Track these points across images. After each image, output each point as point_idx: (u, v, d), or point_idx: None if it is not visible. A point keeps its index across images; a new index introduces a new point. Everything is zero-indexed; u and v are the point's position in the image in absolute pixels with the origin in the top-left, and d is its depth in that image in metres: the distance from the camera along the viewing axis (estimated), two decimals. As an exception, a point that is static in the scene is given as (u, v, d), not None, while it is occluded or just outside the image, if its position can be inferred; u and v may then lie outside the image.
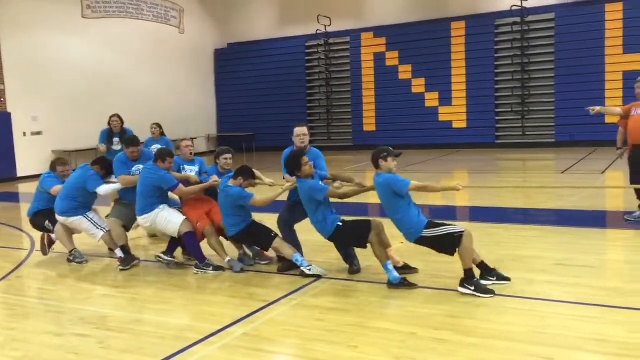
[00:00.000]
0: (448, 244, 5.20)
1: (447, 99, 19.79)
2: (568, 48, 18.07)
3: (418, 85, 20.14)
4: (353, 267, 5.99)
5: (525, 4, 18.31)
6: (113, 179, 6.99)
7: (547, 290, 5.18)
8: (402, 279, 5.38)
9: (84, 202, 6.79)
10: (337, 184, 6.01)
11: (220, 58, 24.05)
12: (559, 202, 9.33)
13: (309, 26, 21.73)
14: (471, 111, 19.50)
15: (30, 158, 17.04)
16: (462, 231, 5.13)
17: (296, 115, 22.37)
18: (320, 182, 5.86)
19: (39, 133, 17.29)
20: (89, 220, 6.76)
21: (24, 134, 16.92)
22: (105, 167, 6.94)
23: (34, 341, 4.67)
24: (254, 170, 6.27)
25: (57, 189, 6.99)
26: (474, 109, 19.45)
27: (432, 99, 20.00)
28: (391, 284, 5.39)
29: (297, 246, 6.17)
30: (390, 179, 5.38)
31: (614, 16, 17.49)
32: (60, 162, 7.43)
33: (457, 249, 5.16)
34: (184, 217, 6.35)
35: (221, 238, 6.49)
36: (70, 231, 6.98)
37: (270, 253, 6.43)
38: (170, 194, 6.62)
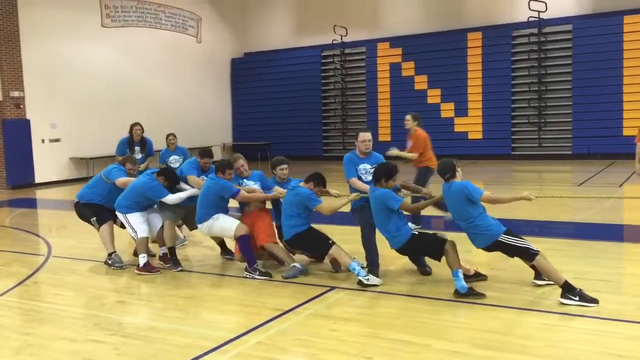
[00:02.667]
0: (526, 256, 5.28)
1: (463, 110, 19.73)
2: (585, 59, 17.95)
3: (434, 96, 20.11)
4: (425, 269, 6.05)
5: (543, 15, 18.24)
6: (184, 186, 6.99)
7: (565, 304, 5.11)
8: (470, 289, 5.34)
9: (134, 205, 6.75)
10: (403, 192, 6.08)
11: (236, 67, 24.20)
12: (576, 214, 9.24)
13: (325, 36, 21.81)
14: (487, 122, 19.41)
15: (48, 165, 17.23)
16: (538, 251, 5.20)
17: (312, 124, 22.47)
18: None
19: (57, 140, 17.48)
20: (128, 221, 6.76)
21: (43, 140, 17.11)
22: (169, 179, 6.86)
23: (50, 347, 4.69)
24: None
25: (123, 180, 6.96)
26: (490, 120, 19.37)
27: (447, 110, 19.94)
28: (458, 293, 5.33)
29: (374, 251, 6.08)
30: (464, 186, 5.41)
31: (632, 28, 17.35)
32: (131, 160, 7.44)
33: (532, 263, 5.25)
34: (239, 222, 6.38)
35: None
36: (113, 236, 7.00)
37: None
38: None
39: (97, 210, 7.11)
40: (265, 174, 7.19)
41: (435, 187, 6.34)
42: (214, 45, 23.17)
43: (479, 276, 5.81)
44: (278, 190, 6.52)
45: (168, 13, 21.13)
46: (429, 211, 6.95)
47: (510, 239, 5.27)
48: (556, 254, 6.94)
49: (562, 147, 18.59)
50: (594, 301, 4.99)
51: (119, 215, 6.85)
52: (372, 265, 6.03)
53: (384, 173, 5.80)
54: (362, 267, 5.91)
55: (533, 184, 14.60)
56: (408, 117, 8.65)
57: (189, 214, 7.21)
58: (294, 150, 20.49)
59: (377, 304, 5.47)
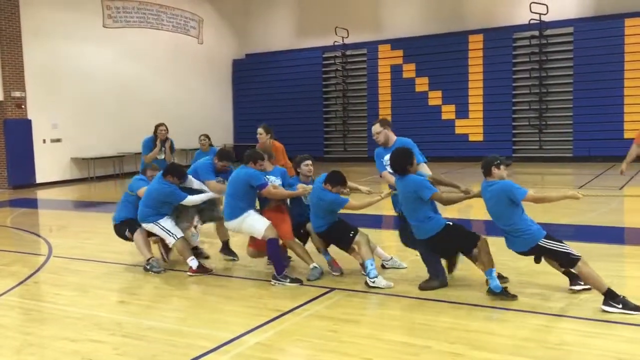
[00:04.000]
0: (566, 262, 5.13)
1: (463, 112, 19.74)
2: (586, 62, 17.97)
3: (435, 98, 20.13)
4: (432, 282, 5.74)
5: (544, 18, 18.26)
6: (195, 183, 6.91)
7: (565, 307, 5.11)
8: (504, 289, 5.28)
9: (158, 210, 6.71)
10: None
11: (237, 68, 24.22)
12: (578, 217, 9.24)
13: (327, 38, 21.84)
14: (488, 124, 19.43)
15: (49, 165, 17.26)
16: (579, 256, 5.03)
17: (313, 126, 22.50)
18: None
19: (58, 140, 17.52)
20: (160, 228, 6.70)
21: (44, 141, 17.15)
22: (176, 175, 6.79)
23: (50, 346, 4.70)
24: (347, 181, 6.19)
25: (143, 190, 6.93)
26: (491, 122, 19.38)
27: (448, 112, 19.96)
28: (491, 292, 5.28)
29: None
30: (506, 186, 5.21)
31: (633, 31, 17.37)
32: (152, 166, 7.41)
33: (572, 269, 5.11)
34: (269, 223, 6.20)
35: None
36: (148, 239, 6.94)
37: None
38: None
39: (128, 223, 7.04)
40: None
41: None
42: (215, 46, 23.21)
43: (501, 278, 5.60)
44: (302, 187, 6.36)
45: (169, 14, 21.17)
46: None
47: (551, 244, 5.11)
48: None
49: (563, 149, 18.60)
50: (638, 309, 4.82)
51: (148, 226, 6.75)
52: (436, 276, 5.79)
53: (403, 162, 5.59)
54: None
55: (534, 186, 14.59)
56: (260, 130, 8.32)
57: (201, 207, 7.17)
58: (295, 152, 20.36)
59: (376, 305, 5.47)
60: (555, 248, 5.10)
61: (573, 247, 7.39)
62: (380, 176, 6.30)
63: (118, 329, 5.02)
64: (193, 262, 6.58)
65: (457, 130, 19.86)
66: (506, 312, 5.02)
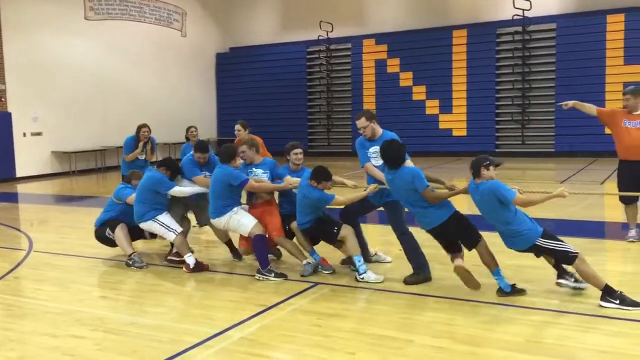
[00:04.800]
0: (564, 259, 5.06)
1: (447, 107, 19.82)
2: (569, 58, 18.12)
3: (419, 93, 20.18)
4: (417, 277, 5.72)
5: (527, 14, 18.36)
6: (185, 182, 6.85)
7: (547, 300, 5.15)
8: (513, 286, 5.25)
9: (153, 205, 6.62)
10: None
11: (221, 62, 24.08)
12: (558, 211, 9.31)
13: (311, 32, 21.78)
14: (471, 119, 19.53)
15: (29, 158, 17.04)
16: (577, 253, 4.96)
17: (297, 120, 22.45)
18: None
19: (39, 134, 17.30)
20: (160, 224, 6.60)
21: (24, 134, 16.92)
22: (170, 168, 6.75)
23: (30, 342, 4.65)
24: (332, 175, 6.11)
25: (133, 197, 6.85)
26: (474, 117, 19.48)
27: (432, 107, 20.03)
28: (502, 292, 5.22)
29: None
30: (495, 186, 5.06)
31: (615, 27, 17.54)
32: (135, 175, 7.27)
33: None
34: (256, 220, 6.18)
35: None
36: (129, 237, 6.84)
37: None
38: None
39: (110, 222, 6.96)
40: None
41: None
42: (198, 39, 23.04)
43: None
44: (289, 181, 6.29)
45: (152, 7, 20.96)
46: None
47: (548, 243, 5.02)
48: (538, 250, 7.01)
49: (545, 144, 18.75)
50: (635, 304, 4.81)
51: (146, 225, 6.66)
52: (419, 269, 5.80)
53: (397, 156, 5.47)
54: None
55: (517, 181, 14.66)
56: (237, 126, 8.27)
57: (198, 210, 7.15)
58: (279, 146, 20.27)
59: (360, 299, 5.48)
60: (553, 247, 5.03)
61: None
62: (363, 167, 6.14)
63: (100, 324, 4.97)
64: (190, 260, 6.50)
65: (441, 125, 19.94)
66: (490, 307, 5.04)
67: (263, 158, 6.73)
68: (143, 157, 9.16)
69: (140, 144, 9.12)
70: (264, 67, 23.05)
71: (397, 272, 6.06)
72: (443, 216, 5.38)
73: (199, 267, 6.50)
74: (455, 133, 19.78)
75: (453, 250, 5.44)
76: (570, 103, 7.59)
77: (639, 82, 8.60)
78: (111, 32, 19.38)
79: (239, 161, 6.45)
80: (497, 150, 19.32)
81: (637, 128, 7.15)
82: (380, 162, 5.81)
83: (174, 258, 6.73)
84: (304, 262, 6.16)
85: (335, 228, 5.98)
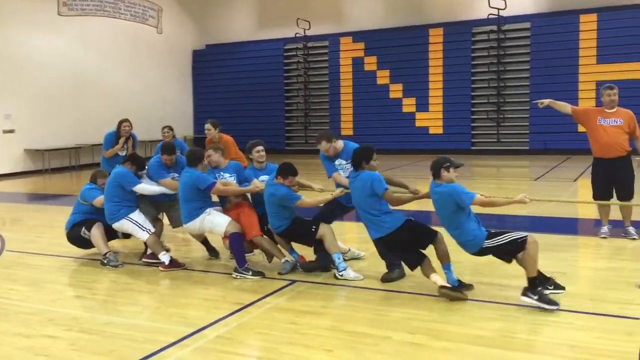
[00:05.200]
0: (511, 250, 4.95)
1: (424, 105, 19.95)
2: (543, 57, 18.36)
3: (396, 91, 20.28)
4: (391, 274, 5.74)
5: (502, 13, 18.56)
6: (146, 179, 6.79)
7: (520, 296, 5.22)
8: (459, 282, 5.28)
9: (123, 202, 6.55)
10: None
11: (198, 59, 23.91)
12: (532, 208, 9.44)
13: (288, 29, 21.73)
14: (447, 117, 19.68)
15: (1, 156, 16.76)
16: (526, 236, 4.89)
17: (274, 118, 22.40)
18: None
19: (11, 131, 16.99)
20: (132, 222, 6.54)
21: (-4, 131, 16.62)
22: (135, 163, 6.72)
23: (3, 342, 4.57)
24: (297, 171, 6.08)
25: (100, 199, 6.76)
26: (451, 115, 19.64)
27: (409, 105, 20.14)
28: (443, 287, 5.19)
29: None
30: (453, 190, 5.06)
31: (588, 27, 17.82)
32: (100, 173, 7.16)
33: (516, 256, 4.94)
34: (230, 218, 6.15)
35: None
36: (104, 235, 6.75)
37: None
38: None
39: (83, 222, 6.87)
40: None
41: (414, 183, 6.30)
42: (174, 36, 22.84)
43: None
44: (255, 184, 6.29)
45: (127, 3, 20.72)
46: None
47: (494, 242, 5.00)
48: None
49: (520, 142, 18.99)
50: (554, 303, 4.81)
51: (119, 224, 6.59)
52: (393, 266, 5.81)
53: (362, 156, 5.55)
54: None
55: (491, 178, 14.88)
56: (208, 126, 8.22)
57: (171, 211, 7.08)
58: (256, 144, 20.36)
59: (338, 297, 5.50)
60: (498, 243, 4.98)
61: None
62: (330, 178, 6.24)
63: (74, 324, 4.91)
64: (165, 258, 6.46)
65: (418, 123, 20.06)
66: (464, 303, 5.10)
67: (228, 161, 6.75)
68: (124, 153, 9.04)
69: (121, 140, 8.99)
70: (241, 64, 22.95)
71: (373, 269, 6.09)
72: (394, 224, 5.41)
73: (174, 264, 6.46)
74: (431, 131, 19.92)
75: (415, 262, 5.39)
76: (546, 102, 7.69)
77: (612, 81, 8.70)
78: (85, 28, 19.11)
79: (207, 166, 6.49)
80: (472, 147, 19.51)
81: (612, 126, 7.27)
82: (347, 173, 5.99)
83: (149, 260, 6.66)
84: (283, 260, 6.16)
85: (314, 227, 5.98)
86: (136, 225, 6.55)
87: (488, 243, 5.04)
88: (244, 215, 6.29)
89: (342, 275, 5.79)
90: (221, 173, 6.60)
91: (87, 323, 4.94)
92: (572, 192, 11.43)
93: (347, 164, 6.07)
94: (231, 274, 6.10)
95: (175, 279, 6.19)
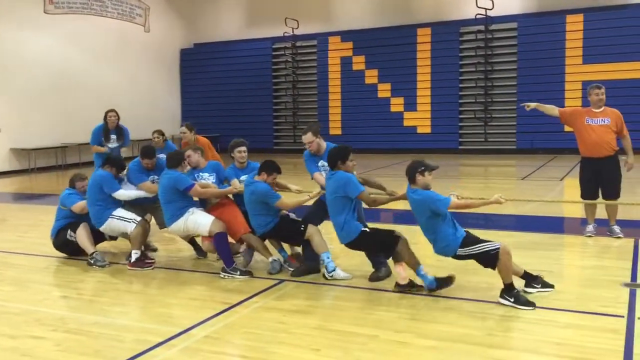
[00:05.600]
0: (486, 261, 5.01)
1: (412, 105, 20.01)
2: (530, 57, 18.47)
3: (384, 90, 20.31)
4: (378, 273, 5.74)
5: (490, 13, 18.65)
6: (126, 182, 6.79)
7: (498, 298, 5.23)
8: (437, 281, 5.25)
9: (106, 203, 6.53)
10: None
11: (186, 58, 23.81)
12: (518, 207, 9.51)
13: (277, 28, 21.70)
14: (435, 117, 19.75)
15: (-14, 155, 16.58)
16: (498, 248, 4.92)
17: (262, 117, 22.37)
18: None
19: (-4, 130, 16.84)
20: (117, 219, 6.51)
21: (-19, 131, 16.45)
22: (115, 165, 6.73)
23: (-13, 343, 4.53)
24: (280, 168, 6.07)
25: (81, 206, 6.72)
26: (438, 115, 19.71)
27: (397, 104, 20.19)
28: (429, 289, 5.23)
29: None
30: (428, 198, 5.07)
31: (574, 27, 17.96)
32: (78, 177, 7.09)
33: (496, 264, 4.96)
34: (214, 218, 6.11)
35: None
36: (91, 235, 6.69)
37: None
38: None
39: (68, 226, 6.82)
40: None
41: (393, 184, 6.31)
42: (162, 35, 22.72)
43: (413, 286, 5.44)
44: (234, 185, 6.29)
45: (114, 1, 20.59)
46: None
47: (467, 250, 5.05)
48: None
49: (507, 142, 19.09)
50: (530, 304, 4.85)
51: (105, 226, 6.56)
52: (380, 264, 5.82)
53: (338, 155, 5.53)
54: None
55: (479, 177, 14.96)
56: (184, 128, 8.18)
57: (157, 212, 7.02)
58: (244, 143, 20.33)
59: (325, 296, 5.50)
60: (471, 253, 5.03)
61: (513, 236, 7.60)
62: (312, 178, 6.21)
63: (60, 324, 4.88)
64: (134, 256, 6.46)
65: (406, 123, 20.11)
66: (450, 301, 5.12)
67: (207, 161, 6.74)
68: (115, 144, 8.95)
69: (105, 145, 8.92)
70: (229, 63, 22.89)
71: (360, 268, 6.09)
72: (352, 235, 5.45)
73: (140, 263, 6.45)
74: (419, 130, 19.98)
75: (389, 249, 5.45)
76: (533, 105, 7.74)
77: (598, 81, 8.78)
78: (72, 26, 18.96)
79: (187, 168, 6.48)
80: (460, 147, 19.60)
81: (600, 125, 7.32)
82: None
83: (133, 268, 6.56)
84: (270, 259, 6.14)
85: (302, 226, 5.95)
86: (122, 219, 6.52)
87: (461, 251, 5.08)
88: (227, 214, 6.26)
89: (332, 276, 5.78)
90: (200, 173, 6.62)
91: (73, 323, 4.91)
92: (558, 191, 11.52)
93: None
94: (219, 273, 6.08)
95: (163, 279, 6.16)
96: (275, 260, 6.12)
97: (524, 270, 5.22)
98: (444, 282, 5.32)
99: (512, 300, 4.90)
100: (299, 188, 6.40)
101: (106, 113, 9.04)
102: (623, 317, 4.69)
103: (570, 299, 5.14)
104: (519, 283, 5.18)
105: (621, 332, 4.38)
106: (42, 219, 9.39)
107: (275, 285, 5.73)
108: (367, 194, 5.55)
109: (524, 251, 6.86)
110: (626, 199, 7.79)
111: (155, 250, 7.22)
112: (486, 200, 5.25)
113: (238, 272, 5.99)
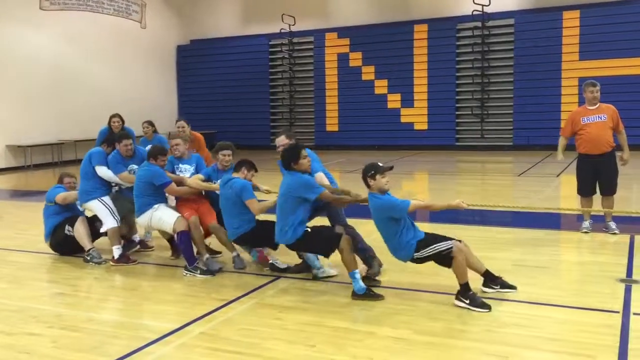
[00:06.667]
0: (442, 261, 4.98)
1: (409, 101, 20.00)
2: (526, 53, 18.47)
3: (381, 87, 20.30)
4: (373, 270, 5.68)
5: (486, 9, 18.64)
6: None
7: (502, 291, 5.26)
8: (367, 289, 5.15)
9: (97, 184, 6.54)
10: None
11: (182, 54, 23.76)
12: (514, 203, 9.52)
13: (273, 25, 21.67)
14: (432, 113, 19.75)
15: (-18, 152, 16.53)
16: (451, 247, 4.87)
17: (259, 114, 22.34)
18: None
19: (-8, 127, 16.79)
20: (104, 205, 6.51)
21: (-23, 127, 16.40)
22: (111, 144, 6.76)
23: (-17, 341, 4.53)
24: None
25: (63, 196, 6.72)
26: (435, 111, 19.71)
27: (394, 101, 20.18)
28: (355, 295, 5.15)
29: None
30: (386, 204, 5.02)
31: (570, 23, 17.96)
32: (66, 174, 7.14)
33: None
34: (178, 215, 6.11)
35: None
36: (89, 231, 6.67)
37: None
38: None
39: (63, 223, 6.78)
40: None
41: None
42: (159, 31, 22.66)
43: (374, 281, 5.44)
44: (208, 183, 6.28)
45: (111, -3, 20.52)
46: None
47: (422, 253, 4.98)
48: (495, 241, 7.17)
49: (504, 138, 19.11)
50: (485, 306, 4.76)
51: (90, 204, 6.53)
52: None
53: (290, 157, 5.38)
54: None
55: (476, 174, 14.98)
56: (183, 123, 8.10)
57: None
58: (241, 140, 20.27)
59: (321, 292, 5.49)
60: (427, 255, 4.98)
61: (509, 233, 7.62)
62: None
63: (56, 321, 4.87)
64: (117, 252, 6.47)
65: (403, 119, 20.10)
66: (449, 297, 5.13)
67: (191, 153, 6.78)
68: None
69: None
70: (226, 59, 22.85)
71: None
72: (294, 238, 5.35)
73: (124, 259, 6.47)
74: (416, 127, 19.98)
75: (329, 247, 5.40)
76: (559, 156, 7.88)
77: (594, 78, 8.79)
78: (68, 23, 18.89)
79: (167, 159, 6.47)
80: (457, 143, 19.60)
81: (596, 122, 7.36)
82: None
83: (116, 264, 6.51)
84: (233, 254, 6.16)
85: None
86: (107, 208, 6.52)
87: (417, 255, 5.03)
88: (198, 204, 6.31)
89: (323, 272, 5.76)
90: (179, 165, 6.63)
91: (69, 320, 4.91)
92: (555, 187, 11.53)
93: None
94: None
95: (159, 276, 6.16)
96: (237, 255, 6.15)
97: (486, 269, 5.17)
98: (373, 296, 5.13)
99: (467, 302, 4.80)
100: (268, 188, 6.37)
101: (110, 118, 8.90)
102: (618, 312, 4.70)
103: (566, 295, 5.16)
104: (507, 277, 5.18)
105: (616, 328, 4.39)
106: (38, 216, 9.32)
107: (270, 282, 5.74)
108: (329, 193, 5.43)
109: (520, 247, 6.89)
110: (622, 195, 7.82)
111: (151, 247, 7.20)
112: (447, 204, 5.24)
113: (199, 272, 5.97)
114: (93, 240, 6.78)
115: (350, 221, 5.96)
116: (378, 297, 5.12)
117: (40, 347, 4.34)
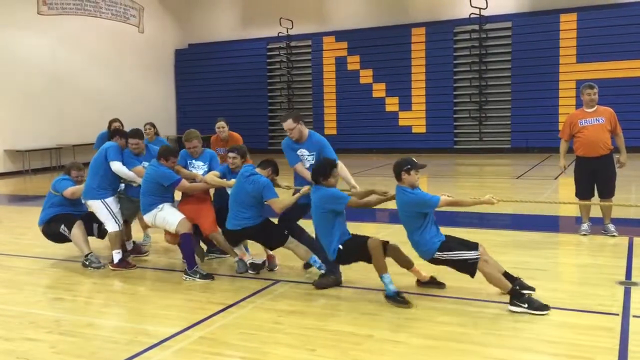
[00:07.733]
0: (465, 268, 4.96)
1: (407, 104, 20.03)
2: (524, 56, 18.52)
3: (379, 90, 20.33)
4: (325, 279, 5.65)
5: (484, 12, 18.69)
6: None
7: (509, 306, 5.23)
8: (397, 293, 5.07)
9: (104, 183, 6.47)
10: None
11: (180, 58, 23.78)
12: (513, 206, 9.53)
13: (271, 28, 21.69)
14: (430, 116, 19.78)
15: (-20, 157, 16.51)
16: (477, 259, 4.86)
17: (257, 117, 22.35)
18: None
19: (-10, 132, 16.77)
20: (107, 208, 6.45)
21: (-25, 132, 16.38)
22: (123, 136, 6.69)
23: (-18, 346, 4.52)
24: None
25: (72, 190, 6.68)
26: (433, 115, 19.74)
27: (392, 104, 20.20)
28: (386, 297, 5.11)
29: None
30: (416, 199, 5.02)
31: (568, 26, 18.01)
32: (75, 166, 7.04)
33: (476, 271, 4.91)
34: (182, 217, 6.10)
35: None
36: (86, 235, 6.65)
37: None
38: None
39: (61, 219, 6.73)
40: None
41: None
42: (157, 35, 22.68)
43: (437, 283, 5.42)
44: (221, 180, 6.27)
45: (108, 1, 20.55)
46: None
47: (445, 255, 4.97)
48: (494, 244, 7.16)
49: (502, 141, 19.14)
50: (543, 308, 4.71)
51: (93, 203, 6.48)
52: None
53: (320, 172, 5.35)
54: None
55: (474, 177, 14.98)
56: (223, 123, 8.09)
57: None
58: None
59: (321, 296, 5.49)
60: (450, 258, 4.97)
61: (509, 235, 7.63)
62: (293, 169, 6.12)
63: (55, 326, 4.86)
64: (117, 256, 6.46)
65: (401, 122, 20.13)
66: (446, 300, 5.13)
67: (204, 149, 6.73)
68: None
69: None
70: (224, 63, 22.87)
71: (353, 268, 6.09)
72: (336, 248, 5.33)
73: (124, 264, 6.46)
74: (414, 130, 20.00)
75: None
76: (562, 163, 7.87)
77: (592, 80, 8.82)
78: (66, 27, 18.91)
79: (178, 160, 6.43)
80: (455, 146, 19.63)
81: (594, 125, 7.37)
82: (308, 164, 5.89)
83: (116, 268, 6.50)
84: (236, 259, 6.17)
85: (286, 232, 5.86)
86: (109, 212, 6.49)
87: (439, 255, 5.01)
88: (200, 211, 6.28)
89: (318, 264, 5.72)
90: (193, 161, 6.59)
91: (68, 325, 4.89)
92: (553, 190, 11.55)
93: (309, 155, 5.99)
94: (214, 274, 6.07)
95: (158, 280, 6.15)
96: (240, 259, 6.15)
97: (505, 271, 5.17)
98: (401, 302, 5.03)
99: (525, 306, 4.72)
100: (288, 184, 6.33)
101: (110, 122, 8.89)
102: (618, 315, 4.70)
103: (565, 297, 5.15)
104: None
105: (616, 330, 4.39)
106: (36, 221, 9.34)
107: (270, 285, 5.73)
108: (355, 199, 5.42)
109: (519, 250, 6.89)
110: (620, 197, 7.83)
111: (146, 253, 7.18)
112: (478, 200, 5.23)
113: (198, 275, 5.97)
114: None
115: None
116: (406, 304, 4.99)
117: (40, 353, 4.33)
